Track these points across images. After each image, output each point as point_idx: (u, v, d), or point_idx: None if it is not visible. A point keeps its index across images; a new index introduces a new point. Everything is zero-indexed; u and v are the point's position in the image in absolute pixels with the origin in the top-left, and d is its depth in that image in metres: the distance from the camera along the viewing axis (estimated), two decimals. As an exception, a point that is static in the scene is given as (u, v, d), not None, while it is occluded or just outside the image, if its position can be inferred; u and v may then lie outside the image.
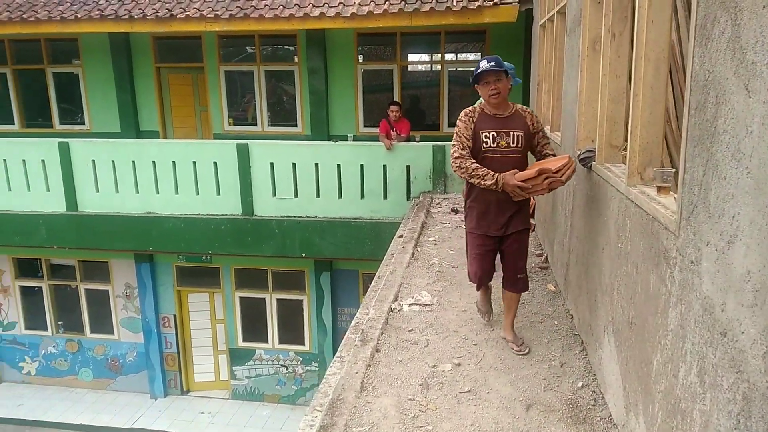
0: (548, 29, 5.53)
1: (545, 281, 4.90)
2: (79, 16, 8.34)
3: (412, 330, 3.93)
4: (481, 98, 3.59)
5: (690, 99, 1.84)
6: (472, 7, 7.24)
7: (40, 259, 10.92)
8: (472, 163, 3.37)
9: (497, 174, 3.30)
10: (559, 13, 4.86)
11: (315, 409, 2.96)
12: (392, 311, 4.21)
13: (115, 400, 10.86)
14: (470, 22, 7.44)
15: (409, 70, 9.84)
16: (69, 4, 8.71)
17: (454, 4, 7.38)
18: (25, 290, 11.18)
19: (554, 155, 3.53)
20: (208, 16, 7.98)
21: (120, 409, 10.55)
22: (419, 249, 5.73)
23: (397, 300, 4.39)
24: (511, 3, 7.28)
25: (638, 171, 2.62)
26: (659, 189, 2.40)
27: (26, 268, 11.10)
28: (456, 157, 3.42)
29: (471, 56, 9.79)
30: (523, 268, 3.65)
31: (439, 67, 9.53)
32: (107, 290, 10.89)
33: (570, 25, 4.26)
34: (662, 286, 2.16)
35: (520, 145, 3.41)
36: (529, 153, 3.59)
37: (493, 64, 3.30)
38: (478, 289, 3.94)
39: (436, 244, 5.92)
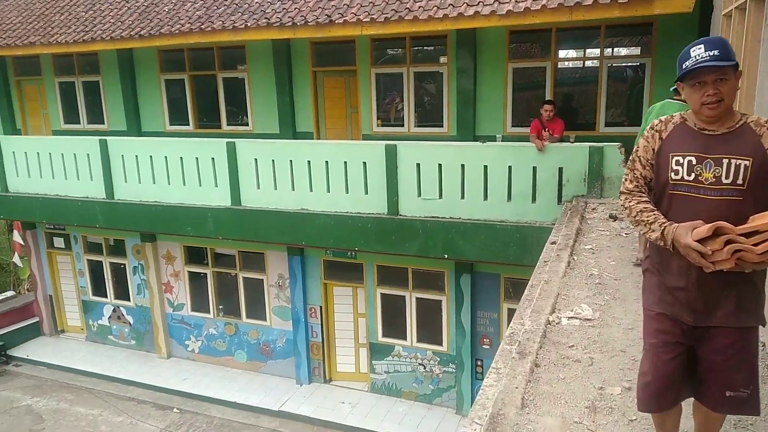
0: (737, 19, 4.92)
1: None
2: (249, 24, 9.03)
3: (573, 346, 3.69)
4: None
5: None
6: (640, -2, 6.68)
7: (206, 248, 12.03)
8: (638, 203, 2.27)
9: (667, 224, 2.15)
10: (754, 0, 4.29)
11: (474, 421, 2.87)
12: (550, 324, 3.99)
13: (265, 382, 11.66)
14: (639, 14, 6.86)
15: (563, 66, 9.37)
16: (240, 15, 9.46)
17: (621, -6, 6.85)
18: (192, 276, 12.39)
19: None
20: (365, 20, 8.21)
21: (269, 392, 11.31)
22: (575, 258, 5.40)
23: (554, 312, 4.16)
24: (687, -10, 6.60)
25: None
26: None
27: (194, 255, 12.29)
28: (621, 192, 2.37)
29: (635, 50, 9.07)
30: (742, 384, 2.19)
31: (596, 63, 8.95)
32: (262, 279, 11.71)
33: (772, 13, 3.74)
34: None
35: (741, 182, 2.09)
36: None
37: (716, 53, 2.05)
38: (645, 410, 2.39)
39: (594, 253, 5.54)
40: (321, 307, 11.21)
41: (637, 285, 4.70)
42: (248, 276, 11.89)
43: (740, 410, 2.23)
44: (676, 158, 2.19)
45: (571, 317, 4.09)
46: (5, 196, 11.50)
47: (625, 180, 2.36)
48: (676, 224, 2.12)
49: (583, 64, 9.40)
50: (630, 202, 2.30)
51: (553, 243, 5.82)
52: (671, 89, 4.72)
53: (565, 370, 3.40)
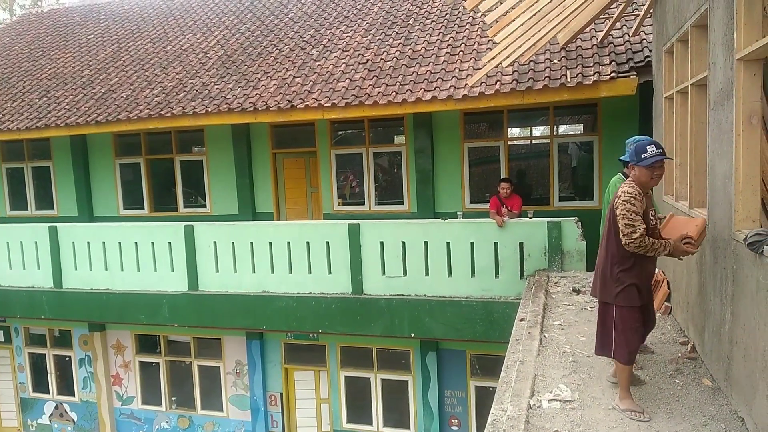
0: (679, 101, 5.27)
1: (697, 374, 4.39)
2: (209, 110, 9.09)
3: (557, 431, 3.60)
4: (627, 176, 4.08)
5: None
6: (587, 83, 7.12)
7: (159, 336, 11.46)
8: (649, 239, 3.59)
9: (669, 242, 3.65)
10: (695, 85, 4.62)
11: None
12: (531, 408, 3.90)
13: (223, 479, 10.85)
14: (586, 97, 7.30)
15: (516, 144, 9.77)
16: (200, 100, 9.54)
17: (569, 79, 7.30)
18: (143, 366, 11.70)
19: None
20: (326, 105, 8.41)
21: (228, 490, 10.51)
22: (546, 335, 5.39)
23: (534, 395, 4.08)
24: (629, 76, 7.09)
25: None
26: None
27: (146, 344, 11.67)
28: (639, 236, 3.55)
29: (580, 128, 9.59)
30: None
31: (547, 140, 9.37)
32: (219, 366, 11.16)
33: (715, 98, 4.01)
34: None
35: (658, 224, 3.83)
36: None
37: (662, 150, 3.56)
38: (633, 363, 3.90)
39: (563, 329, 5.55)
40: (281, 394, 10.70)
41: (610, 362, 4.69)
42: (204, 364, 11.32)
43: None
44: (651, 212, 3.70)
45: (551, 399, 4.01)
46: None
47: (635, 228, 3.55)
48: (672, 240, 3.68)
49: (531, 141, 9.83)
50: (646, 240, 3.56)
51: (522, 320, 5.81)
52: (621, 161, 5.25)
53: (552, 458, 3.28)
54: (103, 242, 9.63)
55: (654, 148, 3.51)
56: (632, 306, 3.72)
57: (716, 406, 3.84)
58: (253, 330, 10.00)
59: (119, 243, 9.52)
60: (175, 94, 10.15)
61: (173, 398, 11.61)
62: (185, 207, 11.33)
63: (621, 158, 5.36)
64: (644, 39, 8.26)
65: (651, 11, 7.00)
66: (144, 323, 9.82)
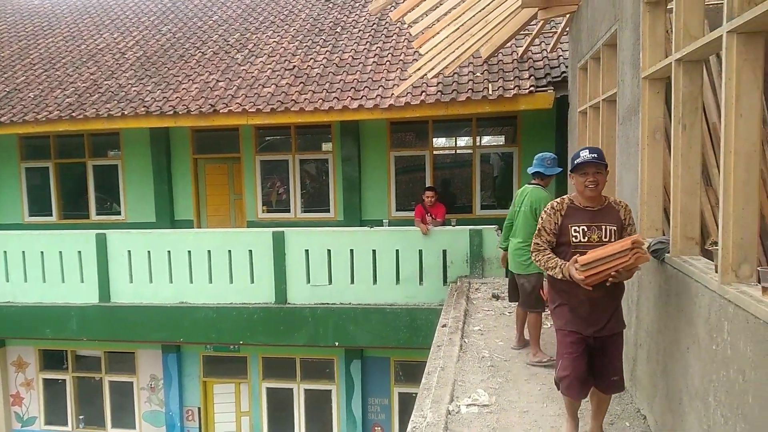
0: (591, 116, 5.54)
1: (607, 376, 4.60)
2: (126, 113, 8.67)
3: (475, 436, 3.65)
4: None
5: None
6: (508, 96, 7.38)
7: (66, 351, 10.75)
8: (544, 255, 3.29)
9: (561, 263, 3.19)
10: (606, 101, 4.87)
11: None
12: (450, 414, 3.94)
13: (136, 501, 10.29)
14: (506, 110, 7.56)
15: (441, 153, 9.97)
16: (116, 102, 9.09)
17: (490, 92, 7.53)
18: (48, 383, 10.92)
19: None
20: (250, 110, 8.23)
21: None
22: (466, 340, 5.49)
23: (453, 400, 4.12)
24: (546, 90, 7.41)
25: (732, 268, 2.46)
26: (764, 290, 2.23)
27: (51, 360, 10.91)
28: (531, 250, 3.40)
29: (502, 140, 9.93)
30: (619, 369, 3.36)
31: (470, 151, 9.62)
32: (132, 382, 10.60)
33: (623, 113, 4.24)
34: (789, 401, 1.94)
35: (612, 240, 3.16)
36: None
37: (595, 156, 3.16)
38: (568, 396, 3.35)
39: (482, 334, 5.68)
40: (199, 409, 10.30)
41: (526, 366, 4.85)
42: (115, 379, 10.70)
43: (618, 389, 3.37)
44: (573, 227, 3.25)
45: (470, 404, 4.07)
46: None
47: (534, 240, 3.37)
48: (564, 261, 3.19)
49: (455, 151, 10.07)
50: (539, 255, 3.33)
51: (444, 326, 5.89)
52: (529, 171, 5.24)
53: (470, 463, 3.32)
54: (4, 251, 8.94)
55: (587, 152, 3.19)
56: (563, 330, 3.32)
57: (622, 405, 4.04)
58: (170, 343, 9.58)
59: (23, 252, 8.86)
60: (88, 95, 9.62)
61: (81, 417, 10.90)
62: (98, 214, 10.73)
63: (529, 170, 5.48)
64: (561, 55, 8.67)
65: (567, 29, 7.36)
66: (50, 338, 9.17)
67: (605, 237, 3.18)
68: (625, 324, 3.39)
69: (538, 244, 3.32)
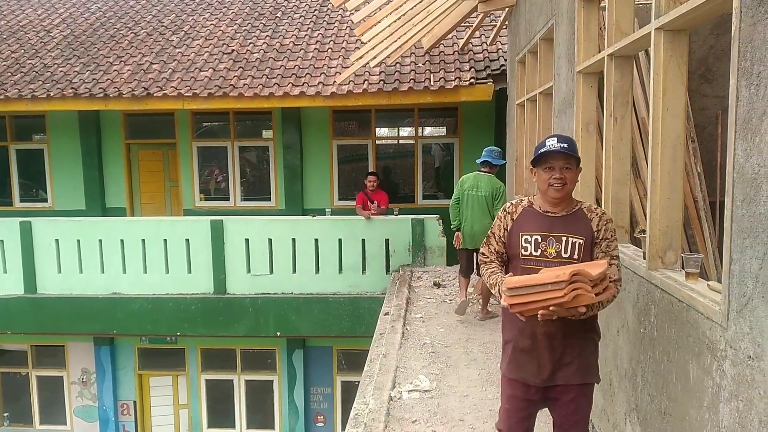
0: (528, 108, 5.70)
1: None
2: (52, 94, 8.20)
3: (415, 421, 3.72)
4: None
5: (734, 191, 1.83)
6: (449, 87, 7.47)
7: (-12, 345, 10.15)
8: (488, 269, 2.56)
9: (501, 280, 2.40)
10: (542, 93, 5.01)
11: None
12: (392, 400, 3.99)
13: (66, 500, 9.89)
14: (447, 100, 7.65)
15: (384, 143, 9.99)
16: (41, 83, 8.57)
17: (432, 83, 7.60)
18: (-32, 379, 10.30)
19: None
20: (186, 94, 7.96)
21: None
22: (408, 327, 5.57)
23: (395, 387, 4.18)
24: (486, 83, 7.55)
25: (659, 255, 2.61)
26: (687, 275, 2.37)
27: (-29, 354, 10.29)
28: (479, 262, 2.73)
29: (443, 130, 10.05)
30: None
31: (412, 141, 9.69)
32: (61, 376, 10.13)
33: (558, 106, 4.38)
34: (707, 378, 2.08)
35: (576, 257, 2.38)
36: None
37: (565, 146, 2.38)
38: None
39: (424, 321, 5.77)
40: (135, 402, 9.97)
41: (466, 351, 4.98)
42: (44, 374, 10.20)
43: None
44: (525, 236, 2.46)
45: (411, 390, 4.14)
46: None
47: (482, 249, 2.65)
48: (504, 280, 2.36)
49: (398, 141, 10.13)
50: (483, 268, 2.61)
51: (387, 314, 5.95)
52: (478, 161, 5.70)
53: (411, 447, 3.38)
54: None
55: (554, 141, 2.41)
56: (504, 375, 2.59)
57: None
58: (103, 335, 9.21)
59: (-64, 242, 8.27)
60: (10, 74, 9.03)
61: (5, 414, 10.34)
62: (22, 201, 10.13)
63: (478, 160, 5.73)
64: (500, 48, 8.84)
65: (506, 23, 7.51)
66: (-32, 332, 8.62)
67: (566, 252, 2.40)
68: (597, 376, 2.53)
69: (484, 254, 2.62)
